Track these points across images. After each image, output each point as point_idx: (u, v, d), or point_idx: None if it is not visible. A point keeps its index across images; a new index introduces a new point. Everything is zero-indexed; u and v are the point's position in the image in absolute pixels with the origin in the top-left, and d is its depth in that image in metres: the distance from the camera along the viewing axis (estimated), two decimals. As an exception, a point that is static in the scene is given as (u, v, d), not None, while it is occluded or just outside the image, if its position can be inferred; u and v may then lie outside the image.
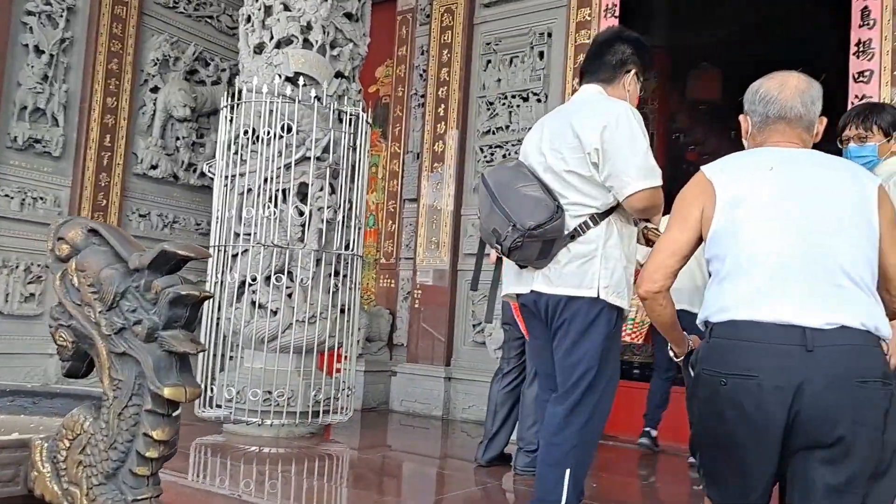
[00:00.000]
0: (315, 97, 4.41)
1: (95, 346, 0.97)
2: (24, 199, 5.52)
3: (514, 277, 2.45)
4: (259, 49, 4.66)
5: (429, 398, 5.78)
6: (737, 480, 1.66)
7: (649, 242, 2.40)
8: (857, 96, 4.33)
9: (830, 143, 2.24)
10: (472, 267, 2.76)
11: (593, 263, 2.28)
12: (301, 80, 4.43)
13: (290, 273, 4.38)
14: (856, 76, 4.34)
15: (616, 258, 2.31)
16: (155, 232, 6.35)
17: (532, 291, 2.37)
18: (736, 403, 1.59)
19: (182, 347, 0.94)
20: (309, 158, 4.39)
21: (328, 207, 4.41)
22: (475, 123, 5.97)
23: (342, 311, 4.53)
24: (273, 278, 4.32)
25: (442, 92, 6.07)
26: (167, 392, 0.98)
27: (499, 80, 5.87)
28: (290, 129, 4.36)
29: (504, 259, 2.47)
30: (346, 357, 4.66)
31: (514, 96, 5.77)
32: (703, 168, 1.81)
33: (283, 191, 4.40)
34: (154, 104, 6.37)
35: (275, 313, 4.32)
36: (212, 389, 4.41)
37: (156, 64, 6.36)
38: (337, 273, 4.51)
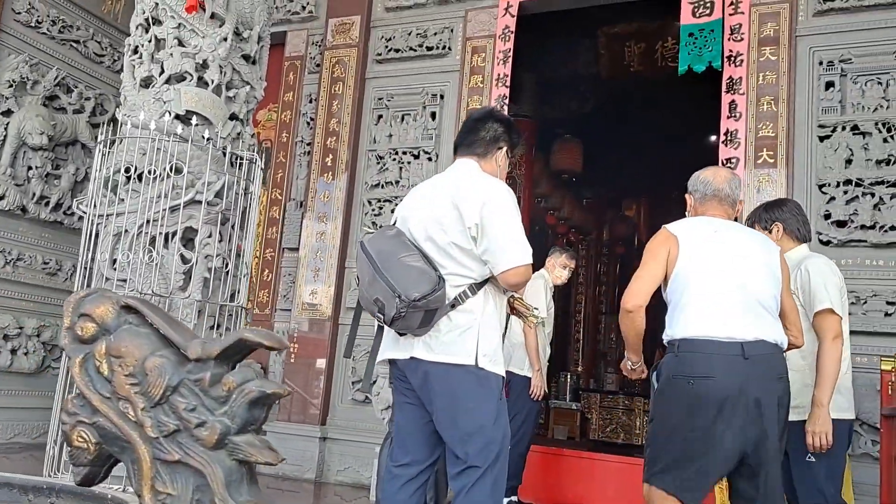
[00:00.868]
0: (208, 139, 4.17)
1: (134, 451, 0.77)
2: None
3: (392, 343, 2.47)
4: (146, 83, 4.36)
5: (301, 459, 5.47)
6: (696, 464, 2.31)
7: (514, 311, 2.63)
8: (725, 180, 4.75)
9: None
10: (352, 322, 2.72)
11: (473, 332, 2.35)
12: (193, 120, 4.19)
13: (168, 324, 4.03)
14: (724, 162, 4.76)
15: (493, 327, 2.40)
16: (-6, 270, 5.67)
17: (412, 358, 2.39)
18: (700, 395, 2.31)
19: (262, 457, 0.78)
20: (198, 202, 4.12)
21: (217, 255, 4.15)
22: (364, 176, 5.91)
23: (223, 366, 4.22)
24: (149, 329, 3.96)
25: (330, 142, 5.97)
26: (245, 513, 0.79)
27: (390, 136, 5.88)
28: (179, 171, 4.09)
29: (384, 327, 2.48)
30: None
31: (405, 153, 5.79)
32: (665, 226, 2.54)
33: (167, 235, 4.09)
34: (6, 129, 5.75)
35: (149, 368, 3.94)
36: (65, 451, 3.93)
37: (11, 86, 5.77)
38: (219, 325, 4.22)
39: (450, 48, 5.82)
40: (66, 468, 3.92)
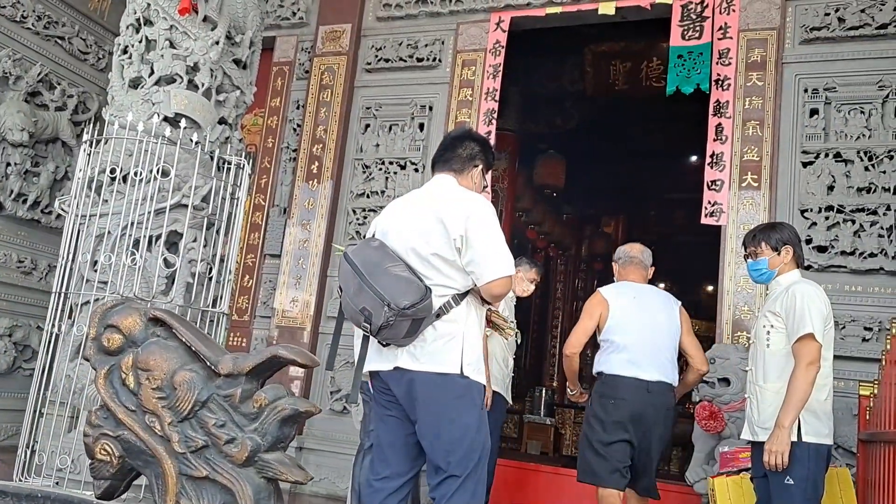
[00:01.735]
0: (196, 142, 4.13)
1: (159, 466, 0.75)
2: None
3: (375, 354, 2.49)
4: (135, 84, 4.31)
5: (276, 468, 5.41)
6: (616, 454, 3.36)
7: (490, 323, 2.72)
8: (710, 202, 4.80)
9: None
10: (333, 330, 2.71)
11: (457, 341, 2.40)
12: (182, 123, 4.14)
13: (149, 328, 3.96)
14: (709, 184, 4.82)
15: (475, 336, 2.46)
16: (-33, 267, 5.54)
17: (396, 368, 2.41)
18: (618, 409, 3.38)
19: (292, 476, 0.76)
20: (184, 205, 4.07)
21: (201, 260, 4.09)
22: (349, 184, 5.88)
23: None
24: (130, 333, 3.89)
25: (317, 149, 5.94)
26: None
27: (377, 145, 5.86)
28: (165, 173, 4.04)
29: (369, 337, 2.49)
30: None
31: (391, 163, 5.78)
32: (599, 290, 3.63)
33: (150, 238, 4.03)
34: (-15, 123, 5.64)
35: (127, 372, 3.87)
36: (37, 454, 3.85)
37: (-7, 80, 5.67)
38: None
39: (440, 60, 5.83)
40: (38, 472, 3.83)
